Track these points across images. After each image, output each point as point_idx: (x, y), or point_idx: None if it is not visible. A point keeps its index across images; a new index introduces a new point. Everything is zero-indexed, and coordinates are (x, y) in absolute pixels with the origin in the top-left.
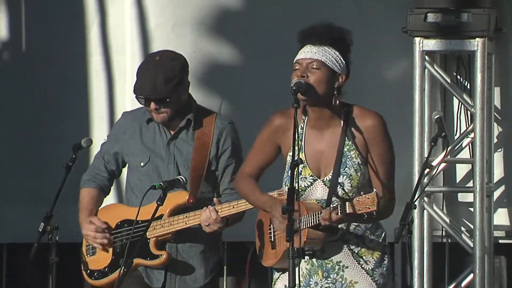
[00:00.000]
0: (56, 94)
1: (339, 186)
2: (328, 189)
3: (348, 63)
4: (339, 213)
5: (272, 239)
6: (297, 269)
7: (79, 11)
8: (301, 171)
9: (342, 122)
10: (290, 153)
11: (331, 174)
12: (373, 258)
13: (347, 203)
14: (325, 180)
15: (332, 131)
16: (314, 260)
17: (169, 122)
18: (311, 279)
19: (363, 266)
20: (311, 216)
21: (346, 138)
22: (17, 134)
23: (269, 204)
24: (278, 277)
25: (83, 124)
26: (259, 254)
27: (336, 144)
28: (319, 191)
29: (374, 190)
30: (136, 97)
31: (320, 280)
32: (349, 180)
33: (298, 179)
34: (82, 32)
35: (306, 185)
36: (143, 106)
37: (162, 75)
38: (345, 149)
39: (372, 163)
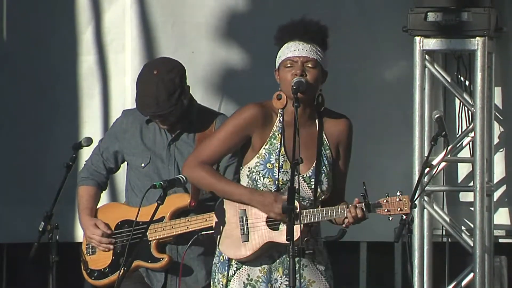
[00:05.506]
0: (50, 94)
1: (320, 184)
2: (306, 185)
3: (326, 58)
4: (363, 212)
5: (245, 232)
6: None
7: (75, 9)
8: (282, 164)
9: (317, 121)
10: (266, 146)
11: (310, 170)
12: (323, 260)
13: (371, 204)
14: (305, 176)
15: (309, 129)
16: (276, 256)
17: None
18: (272, 275)
19: (317, 267)
20: (311, 214)
21: (323, 137)
22: (15, 133)
23: (248, 195)
24: (234, 274)
25: (78, 123)
26: (220, 244)
27: (314, 141)
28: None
29: (400, 193)
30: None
31: (280, 277)
32: (327, 179)
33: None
34: (79, 30)
35: (288, 179)
36: None
37: (163, 90)
38: (322, 148)
39: (339, 166)
